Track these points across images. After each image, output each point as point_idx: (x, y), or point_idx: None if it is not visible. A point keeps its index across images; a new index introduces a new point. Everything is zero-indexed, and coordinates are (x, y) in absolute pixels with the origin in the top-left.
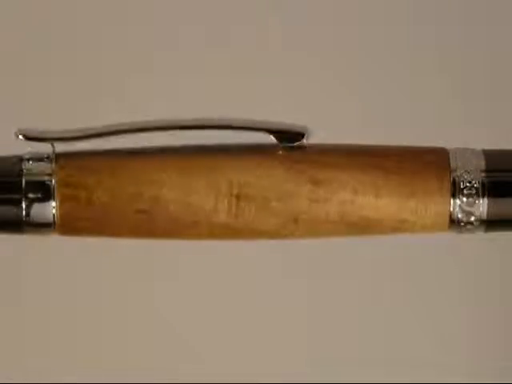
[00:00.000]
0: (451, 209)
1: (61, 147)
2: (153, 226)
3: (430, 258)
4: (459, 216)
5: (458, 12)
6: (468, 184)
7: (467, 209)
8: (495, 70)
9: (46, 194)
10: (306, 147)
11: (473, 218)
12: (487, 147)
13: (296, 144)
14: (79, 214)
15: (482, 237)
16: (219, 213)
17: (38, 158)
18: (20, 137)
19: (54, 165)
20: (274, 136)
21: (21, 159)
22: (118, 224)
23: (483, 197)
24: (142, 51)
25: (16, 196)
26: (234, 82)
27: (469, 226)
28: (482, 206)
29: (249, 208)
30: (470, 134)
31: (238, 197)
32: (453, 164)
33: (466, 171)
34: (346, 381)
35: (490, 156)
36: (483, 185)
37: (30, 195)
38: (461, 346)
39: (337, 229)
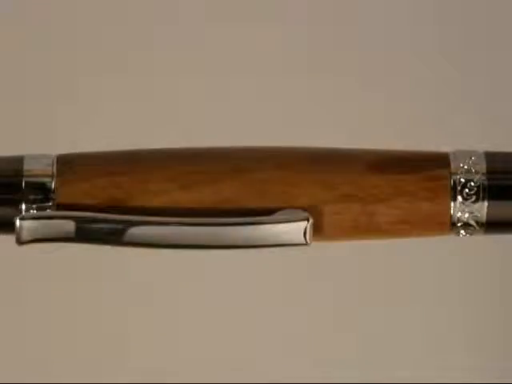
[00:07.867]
0: (451, 211)
1: (62, 149)
2: None
3: (431, 261)
4: (459, 219)
5: (458, 12)
6: (468, 186)
7: (467, 211)
8: (496, 71)
9: (45, 195)
10: None
11: (473, 221)
12: (489, 149)
13: None
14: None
15: (482, 239)
16: None
17: (39, 159)
18: None
19: (54, 166)
20: None
21: (21, 160)
22: None
23: (484, 199)
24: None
25: (15, 197)
26: (233, 82)
27: (469, 229)
28: (482, 209)
29: None
30: (472, 136)
31: None
32: (453, 166)
33: (466, 173)
34: (347, 381)
35: (492, 158)
36: (484, 187)
37: (30, 197)
38: (461, 346)
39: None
